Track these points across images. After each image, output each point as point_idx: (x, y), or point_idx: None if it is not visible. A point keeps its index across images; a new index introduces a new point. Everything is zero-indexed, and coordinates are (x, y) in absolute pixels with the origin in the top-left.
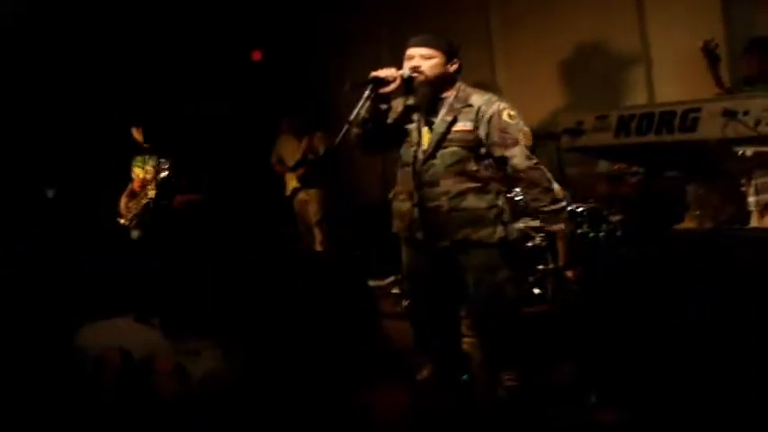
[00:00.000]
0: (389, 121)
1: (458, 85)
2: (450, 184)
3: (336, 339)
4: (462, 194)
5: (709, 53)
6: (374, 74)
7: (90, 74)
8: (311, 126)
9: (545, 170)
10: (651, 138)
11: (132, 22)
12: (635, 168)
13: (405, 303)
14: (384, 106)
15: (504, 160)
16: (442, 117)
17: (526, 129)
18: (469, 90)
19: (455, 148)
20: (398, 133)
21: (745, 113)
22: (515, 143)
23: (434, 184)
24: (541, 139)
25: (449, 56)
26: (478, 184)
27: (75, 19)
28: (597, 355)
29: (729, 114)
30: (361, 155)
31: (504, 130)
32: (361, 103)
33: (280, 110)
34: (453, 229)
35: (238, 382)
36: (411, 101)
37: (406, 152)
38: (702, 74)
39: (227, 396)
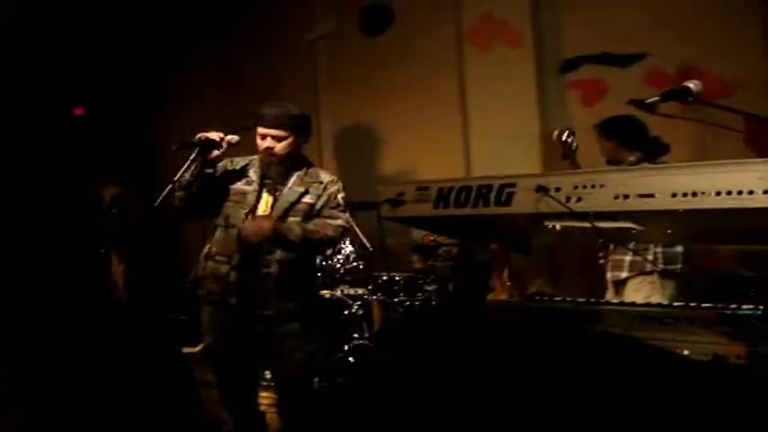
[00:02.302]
0: (215, 179)
1: (308, 162)
2: (283, 255)
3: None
4: (293, 263)
5: (564, 142)
6: (202, 135)
7: None
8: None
9: (333, 236)
10: (468, 210)
11: None
12: (447, 240)
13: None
14: (210, 170)
15: None
16: (292, 187)
17: (347, 215)
18: (317, 168)
19: (298, 218)
20: (221, 194)
21: (557, 189)
22: (337, 218)
23: (271, 251)
24: (362, 208)
25: (301, 133)
26: (305, 258)
27: None
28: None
29: (542, 190)
30: (182, 220)
31: (335, 207)
32: (186, 165)
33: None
34: (279, 297)
35: None
36: (253, 171)
37: (236, 213)
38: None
39: None
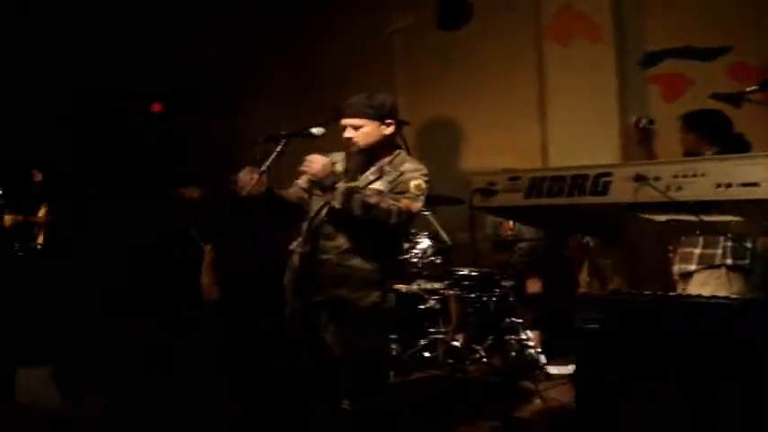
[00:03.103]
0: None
1: (397, 151)
2: (342, 241)
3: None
4: (351, 252)
5: (642, 130)
6: (307, 128)
7: None
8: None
9: (396, 214)
10: (562, 200)
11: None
12: (526, 234)
13: None
14: None
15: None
16: (366, 175)
17: (416, 204)
18: (406, 158)
19: None
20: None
21: (657, 179)
22: (398, 201)
23: (330, 237)
24: (441, 203)
25: (381, 119)
26: (368, 246)
27: None
28: None
29: (641, 179)
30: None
31: (400, 192)
32: (274, 155)
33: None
34: (334, 285)
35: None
36: (340, 164)
37: (314, 204)
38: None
39: None
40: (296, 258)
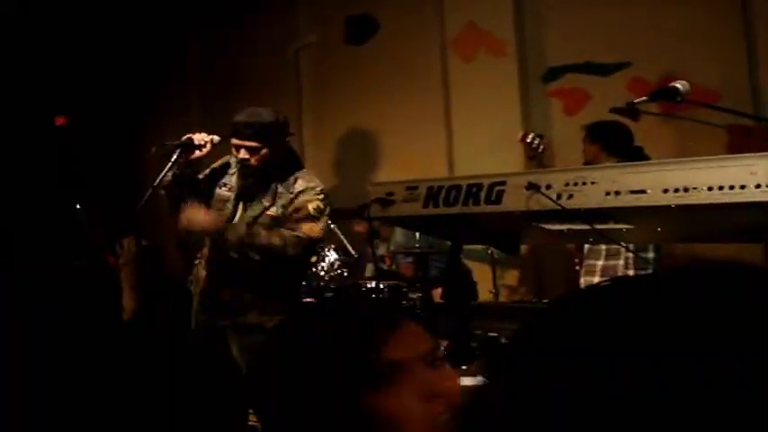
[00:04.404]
0: (198, 181)
1: (290, 169)
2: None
3: None
4: (256, 280)
5: (530, 145)
6: (188, 136)
7: None
8: None
9: (293, 245)
10: (458, 209)
11: None
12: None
13: None
14: (189, 170)
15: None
16: (261, 201)
17: (318, 227)
18: (299, 174)
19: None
20: (208, 196)
21: (548, 187)
22: (295, 229)
23: (234, 266)
24: (342, 217)
25: (274, 139)
26: (272, 273)
27: None
28: None
29: (533, 187)
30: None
31: (299, 218)
32: (168, 167)
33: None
34: (239, 311)
35: None
36: (233, 175)
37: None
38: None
39: None
40: (201, 272)
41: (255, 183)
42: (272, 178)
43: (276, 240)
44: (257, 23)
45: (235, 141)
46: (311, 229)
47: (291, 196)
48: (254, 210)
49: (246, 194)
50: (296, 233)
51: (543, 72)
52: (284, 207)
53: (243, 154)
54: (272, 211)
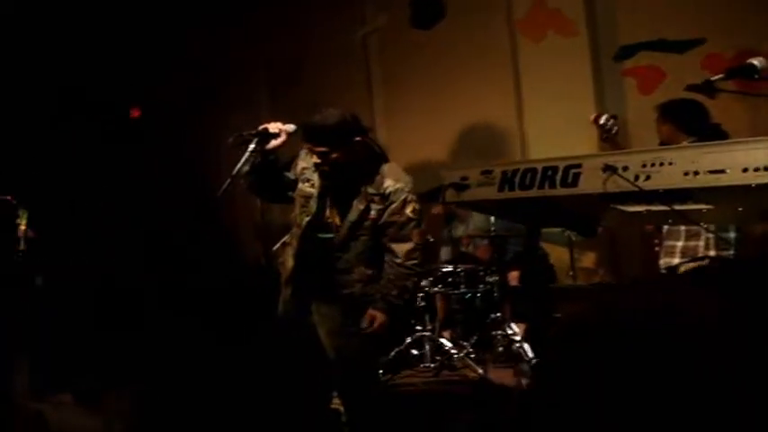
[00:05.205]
0: (278, 168)
1: (374, 167)
2: (362, 272)
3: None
4: (373, 280)
5: (603, 127)
6: (264, 126)
7: None
8: None
9: (412, 273)
10: (534, 192)
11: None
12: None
13: None
14: (271, 158)
15: (388, 247)
16: (354, 204)
17: (421, 229)
18: (384, 171)
19: (365, 237)
20: (289, 184)
21: (625, 168)
22: (407, 240)
23: (348, 271)
24: (425, 200)
25: (347, 141)
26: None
27: None
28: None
29: (610, 169)
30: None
31: (402, 225)
32: (244, 158)
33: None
34: (341, 286)
35: None
36: (312, 177)
37: (301, 219)
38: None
39: None
40: (288, 261)
41: (338, 184)
42: (356, 179)
43: (402, 278)
44: (324, 9)
45: (306, 146)
46: (419, 235)
47: (385, 201)
48: (352, 215)
49: (332, 196)
50: (407, 245)
51: (615, 51)
52: (380, 210)
53: (316, 159)
54: (372, 213)
